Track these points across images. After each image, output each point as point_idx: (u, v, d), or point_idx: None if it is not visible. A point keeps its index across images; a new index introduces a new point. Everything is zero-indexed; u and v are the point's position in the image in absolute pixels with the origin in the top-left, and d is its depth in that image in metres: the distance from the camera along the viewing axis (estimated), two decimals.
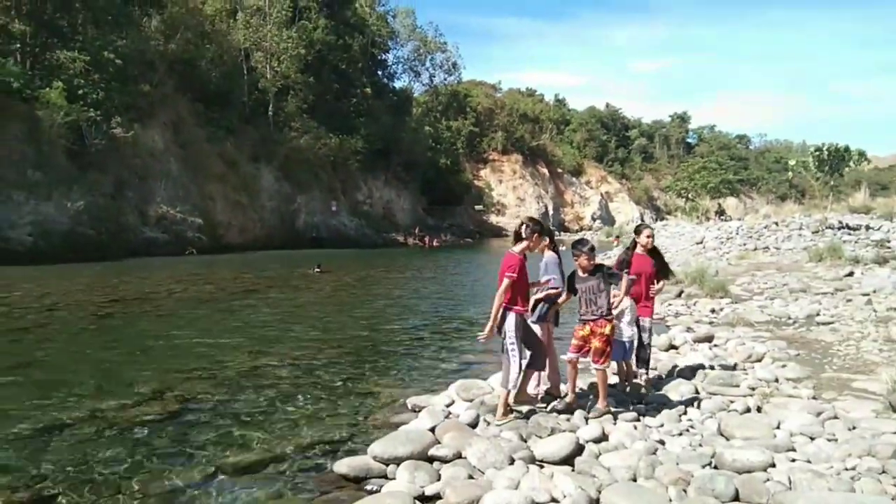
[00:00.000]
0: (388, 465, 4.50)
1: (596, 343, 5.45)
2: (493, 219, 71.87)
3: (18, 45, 28.61)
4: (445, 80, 69.22)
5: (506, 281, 5.24)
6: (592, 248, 5.65)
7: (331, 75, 47.49)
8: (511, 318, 5.28)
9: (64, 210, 27.24)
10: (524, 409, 5.55)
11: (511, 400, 5.46)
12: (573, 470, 4.43)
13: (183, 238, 32.17)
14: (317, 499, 4.17)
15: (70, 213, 27.38)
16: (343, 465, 4.50)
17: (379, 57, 57.49)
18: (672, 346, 8.56)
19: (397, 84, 63.16)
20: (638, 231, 6.71)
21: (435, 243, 49.14)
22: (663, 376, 6.96)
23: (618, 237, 40.28)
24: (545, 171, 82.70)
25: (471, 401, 5.87)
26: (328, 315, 12.78)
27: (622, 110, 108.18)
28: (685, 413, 5.67)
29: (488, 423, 5.29)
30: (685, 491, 4.08)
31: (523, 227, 5.54)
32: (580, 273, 5.62)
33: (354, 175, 49.62)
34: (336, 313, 13.05)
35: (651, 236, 6.59)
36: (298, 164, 42.98)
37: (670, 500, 3.96)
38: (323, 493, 4.26)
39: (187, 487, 4.34)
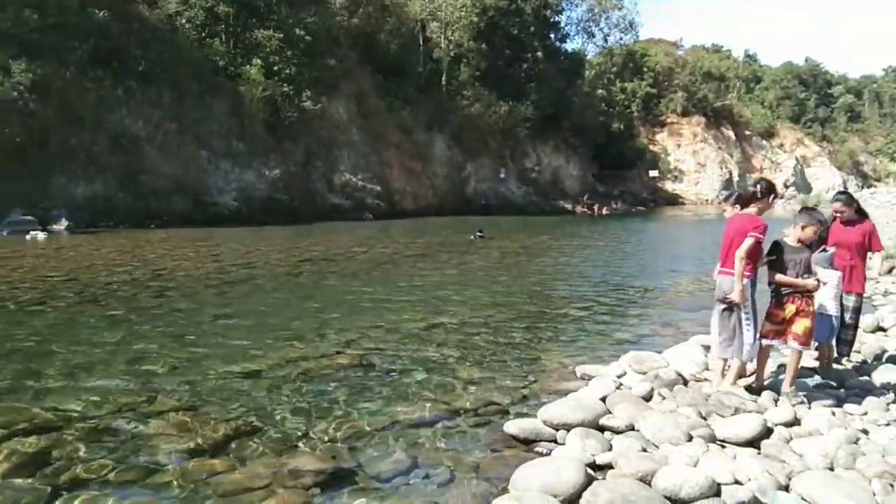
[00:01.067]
0: (557, 430, 4.50)
1: (806, 323, 4.97)
2: (669, 186, 68.12)
3: (223, 26, 31.72)
4: (621, 39, 65.93)
5: (750, 240, 4.90)
6: (824, 223, 5.14)
7: (503, 41, 47.35)
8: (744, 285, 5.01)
9: (262, 178, 30.22)
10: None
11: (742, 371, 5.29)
12: (759, 453, 4.14)
13: (363, 204, 34.27)
14: (488, 455, 4.29)
15: (268, 181, 30.32)
16: (513, 426, 4.57)
17: (551, 19, 56.09)
18: (880, 328, 7.62)
19: (569, 46, 61.35)
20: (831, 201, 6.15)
21: (604, 211, 47.75)
22: (868, 361, 6.23)
23: (815, 207, 36.40)
24: (730, 133, 76.43)
25: (644, 373, 5.67)
26: (497, 280, 12.97)
27: (823, 64, 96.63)
28: (895, 402, 5.04)
29: (663, 398, 5.09)
30: (892, 486, 3.64)
31: (758, 186, 5.18)
32: (791, 243, 5.12)
33: (523, 142, 49.42)
34: (505, 278, 13.21)
35: (841, 210, 5.88)
36: (469, 132, 43.69)
37: (874, 495, 3.56)
38: (494, 450, 4.37)
39: (367, 435, 4.65)
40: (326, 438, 4.56)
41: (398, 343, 7.36)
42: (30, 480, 3.87)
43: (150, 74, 26.54)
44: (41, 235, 20.36)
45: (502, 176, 46.33)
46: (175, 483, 3.87)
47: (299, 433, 4.64)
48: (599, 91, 59.76)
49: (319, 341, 7.39)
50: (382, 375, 6.14)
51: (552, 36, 57.17)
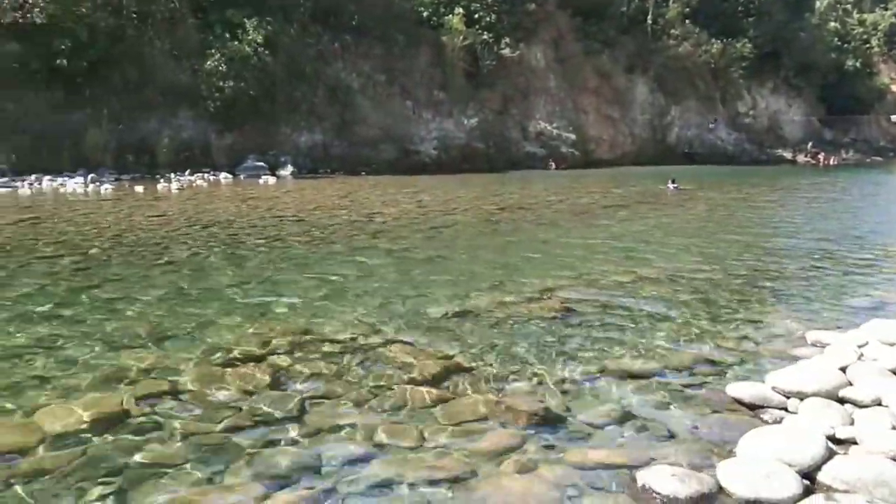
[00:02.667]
0: (788, 397, 4.16)
1: None
2: None
3: None
4: None
5: None
6: None
7: None
8: None
9: (461, 126, 30.98)
10: None
11: None
12: None
13: (557, 153, 33.82)
14: (708, 416, 4.09)
15: (465, 129, 31.04)
16: (738, 389, 4.30)
17: None
18: None
19: None
20: None
21: (832, 161, 42.52)
22: None
23: None
24: None
25: (892, 345, 5.00)
26: (706, 233, 12.18)
27: None
28: None
29: None
30: None
31: None
32: None
33: (736, 83, 45.08)
34: (714, 232, 12.36)
35: None
36: (675, 74, 40.90)
37: None
38: (714, 411, 4.15)
39: (577, 382, 4.65)
40: (536, 381, 4.64)
41: (601, 293, 7.23)
42: (281, 391, 4.43)
43: (362, 28, 28.15)
44: (271, 179, 22.93)
45: (711, 126, 42.89)
46: (403, 406, 4.19)
47: (510, 374, 4.78)
48: (832, 24, 52.33)
49: (523, 287, 7.49)
50: (588, 324, 6.09)
51: None
